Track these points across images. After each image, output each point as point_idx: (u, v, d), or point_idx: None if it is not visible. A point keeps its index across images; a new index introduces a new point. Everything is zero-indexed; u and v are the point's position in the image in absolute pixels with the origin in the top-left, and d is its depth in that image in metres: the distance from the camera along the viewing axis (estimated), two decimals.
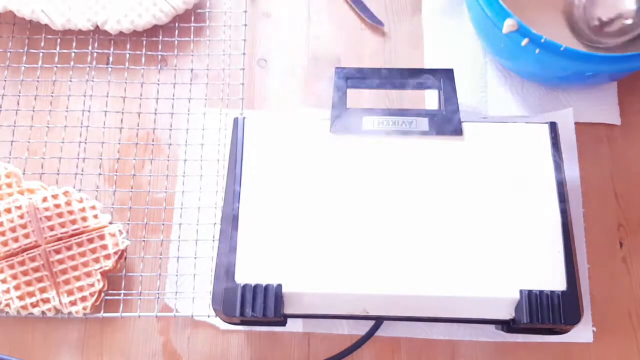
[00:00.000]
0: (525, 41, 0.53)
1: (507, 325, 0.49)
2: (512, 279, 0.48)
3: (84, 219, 0.55)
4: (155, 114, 0.61)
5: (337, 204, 0.51)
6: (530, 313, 0.47)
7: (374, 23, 0.65)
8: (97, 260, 0.54)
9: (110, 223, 0.56)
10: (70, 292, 0.53)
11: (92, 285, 0.53)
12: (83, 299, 0.53)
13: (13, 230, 0.54)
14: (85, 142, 0.60)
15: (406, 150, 0.53)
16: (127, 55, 0.63)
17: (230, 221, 0.50)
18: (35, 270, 0.53)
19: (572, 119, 0.60)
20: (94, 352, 0.54)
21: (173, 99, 0.62)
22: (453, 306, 0.49)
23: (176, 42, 0.64)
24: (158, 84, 0.62)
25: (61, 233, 0.54)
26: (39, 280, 0.53)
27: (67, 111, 0.61)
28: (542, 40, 0.53)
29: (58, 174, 0.58)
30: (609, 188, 0.59)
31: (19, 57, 0.63)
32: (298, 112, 0.62)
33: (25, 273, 0.53)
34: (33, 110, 0.61)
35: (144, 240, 0.57)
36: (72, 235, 0.55)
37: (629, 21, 0.55)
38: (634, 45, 0.57)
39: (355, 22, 0.66)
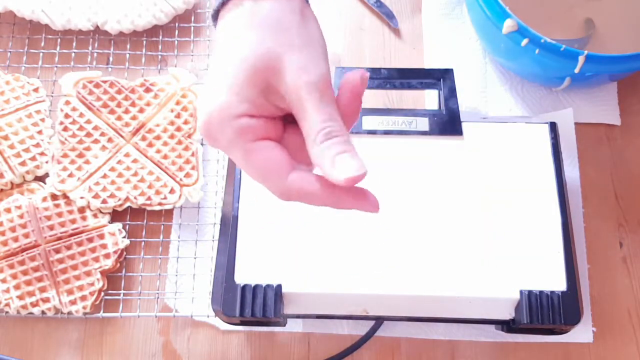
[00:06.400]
0: (525, 41, 0.53)
1: (507, 326, 0.50)
2: (512, 279, 0.48)
3: (84, 218, 0.55)
4: None
5: None
6: (530, 313, 0.47)
7: (387, 19, 0.65)
8: (96, 259, 0.54)
9: (110, 222, 0.56)
10: (70, 292, 0.53)
11: (92, 284, 0.53)
12: (83, 298, 0.53)
13: (13, 230, 0.54)
14: None
15: (406, 150, 0.53)
16: (127, 55, 0.63)
17: (230, 221, 0.50)
18: (35, 269, 0.53)
19: (572, 119, 0.60)
20: (94, 352, 0.54)
21: None
22: (453, 306, 0.49)
23: (176, 42, 0.64)
24: None
25: (61, 232, 0.54)
26: (39, 279, 0.53)
27: None
28: (542, 41, 0.53)
29: None
30: (609, 188, 0.59)
31: (19, 57, 0.63)
32: None
33: (25, 273, 0.53)
34: None
35: (143, 241, 0.57)
36: (71, 235, 0.55)
37: None
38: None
39: (356, 22, 0.66)
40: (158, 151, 0.57)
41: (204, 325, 0.55)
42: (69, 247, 0.54)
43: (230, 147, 0.32)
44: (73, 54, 0.63)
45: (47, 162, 0.57)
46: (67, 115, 0.57)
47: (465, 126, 0.53)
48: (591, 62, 0.53)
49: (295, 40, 0.32)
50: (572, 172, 0.59)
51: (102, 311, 0.54)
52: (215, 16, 0.36)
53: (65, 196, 0.56)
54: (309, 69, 0.32)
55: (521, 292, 0.47)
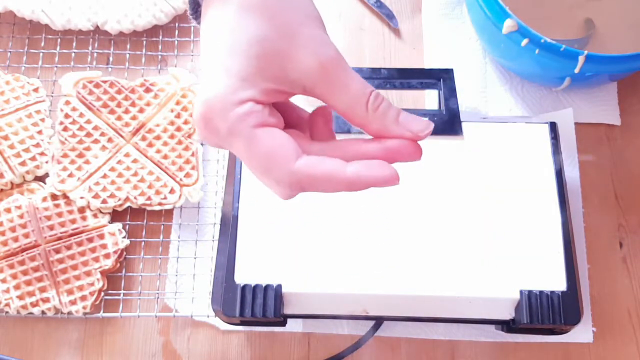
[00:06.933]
0: (525, 41, 0.53)
1: (507, 326, 0.49)
2: (512, 279, 0.48)
3: (84, 218, 0.55)
4: None
5: (336, 203, 0.51)
6: (531, 313, 0.47)
7: (387, 19, 0.65)
8: (96, 259, 0.54)
9: (110, 222, 0.56)
10: (70, 292, 0.53)
11: (92, 284, 0.53)
12: (83, 298, 0.53)
13: (13, 230, 0.54)
14: None
15: None
16: (127, 55, 0.63)
17: (230, 221, 0.50)
18: (35, 269, 0.53)
19: (572, 119, 0.60)
20: (94, 352, 0.54)
21: None
22: (453, 306, 0.49)
23: (176, 42, 0.64)
24: None
25: (61, 232, 0.54)
26: (39, 279, 0.53)
27: None
28: (542, 41, 0.53)
29: None
30: (609, 188, 0.59)
31: (19, 57, 0.63)
32: None
33: (25, 273, 0.53)
34: None
35: (143, 241, 0.57)
36: (71, 235, 0.55)
37: None
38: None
39: (356, 22, 0.66)
40: (158, 151, 0.57)
41: (204, 325, 0.55)
42: (69, 247, 0.54)
43: (232, 135, 0.30)
44: (73, 54, 0.63)
45: (47, 162, 0.57)
46: (67, 115, 0.57)
47: (465, 126, 0.53)
48: (591, 62, 0.53)
49: (301, 18, 0.31)
50: (572, 172, 0.59)
51: (102, 311, 0.54)
52: (195, 10, 0.34)
53: (65, 196, 0.56)
54: (326, 42, 0.31)
55: (521, 292, 0.47)
